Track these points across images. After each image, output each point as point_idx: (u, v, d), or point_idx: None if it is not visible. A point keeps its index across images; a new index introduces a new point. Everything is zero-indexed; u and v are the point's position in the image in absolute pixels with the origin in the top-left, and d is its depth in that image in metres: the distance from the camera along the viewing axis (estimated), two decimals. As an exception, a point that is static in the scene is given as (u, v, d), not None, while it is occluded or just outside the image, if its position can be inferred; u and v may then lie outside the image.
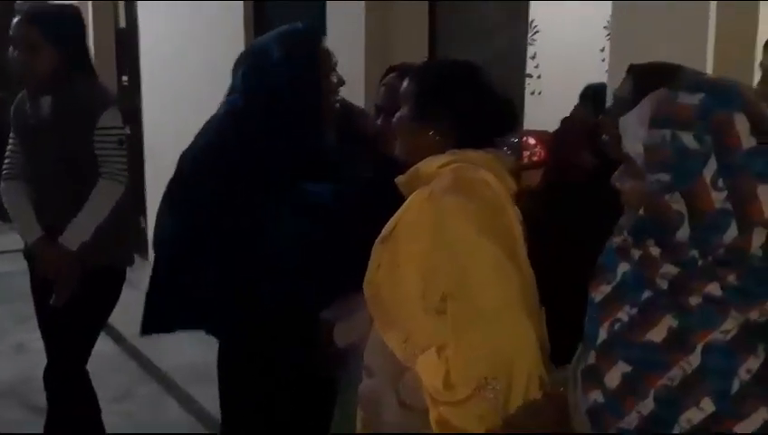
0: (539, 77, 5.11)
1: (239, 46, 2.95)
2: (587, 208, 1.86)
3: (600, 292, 1.29)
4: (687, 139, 1.18)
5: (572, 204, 2.16)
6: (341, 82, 2.10)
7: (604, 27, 4.37)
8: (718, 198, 1.16)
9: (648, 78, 1.74)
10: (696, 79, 1.30)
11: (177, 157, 2.16)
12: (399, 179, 1.73)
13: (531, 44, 4.75)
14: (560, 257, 1.86)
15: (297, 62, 2.03)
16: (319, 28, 2.20)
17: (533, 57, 5.00)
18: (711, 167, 1.16)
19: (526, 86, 4.48)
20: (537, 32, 4.94)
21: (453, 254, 1.56)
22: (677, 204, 1.19)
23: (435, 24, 3.56)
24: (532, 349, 1.53)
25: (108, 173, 2.85)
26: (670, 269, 1.21)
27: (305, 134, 2.02)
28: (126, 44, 6.12)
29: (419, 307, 1.58)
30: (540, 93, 5.03)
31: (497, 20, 3.66)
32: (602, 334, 1.27)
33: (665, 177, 1.20)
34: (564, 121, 2.75)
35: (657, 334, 1.20)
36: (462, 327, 1.51)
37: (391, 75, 2.21)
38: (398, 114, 1.80)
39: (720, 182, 1.16)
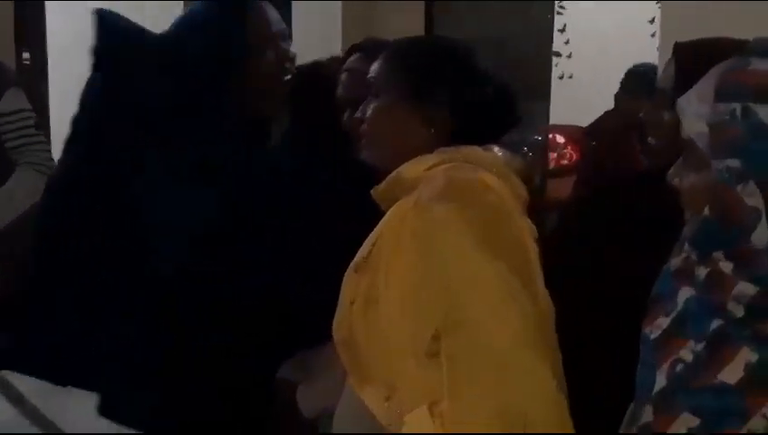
0: (569, 56, 5.08)
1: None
2: (634, 228, 1.86)
3: (656, 326, 1.27)
4: (764, 112, 1.17)
5: (614, 222, 2.04)
6: (287, 55, 2.12)
7: None
8: None
9: (697, 60, 1.69)
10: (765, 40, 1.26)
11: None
12: (376, 190, 1.71)
13: (559, 14, 4.76)
14: (596, 290, 1.83)
15: (217, 15, 2.09)
16: None
17: (563, 30, 4.99)
18: None
19: (553, 68, 4.50)
20: None
21: (446, 278, 1.54)
22: (752, 197, 1.17)
23: None
24: (553, 401, 1.50)
25: (28, 163, 2.84)
26: (746, 289, 1.18)
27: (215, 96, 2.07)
28: (28, 15, 5.99)
29: (406, 352, 1.56)
30: (571, 77, 5.00)
31: None
32: (660, 380, 1.24)
33: (735, 162, 1.18)
34: (604, 116, 2.74)
35: (731, 374, 1.18)
36: (460, 374, 1.49)
37: (355, 57, 2.20)
38: (369, 103, 1.77)
39: None
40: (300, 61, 2.25)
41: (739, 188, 1.18)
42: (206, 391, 2.04)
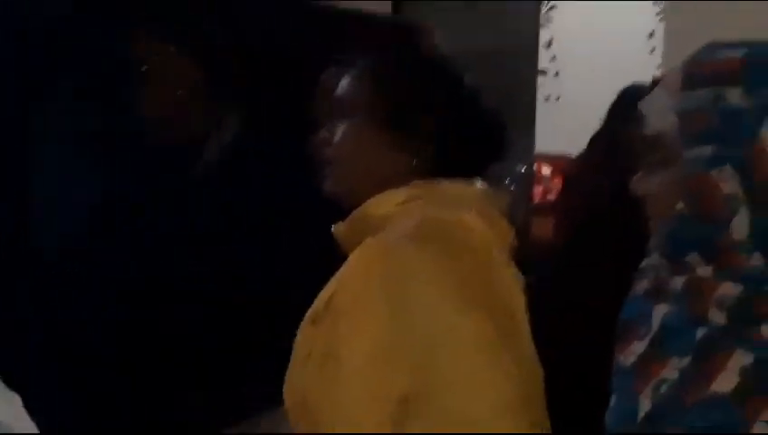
0: (557, 75, 5.30)
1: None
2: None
3: (629, 353, 1.26)
4: (734, 95, 1.17)
5: (607, 272, 1.95)
6: None
7: (653, 1, 4.26)
8: None
9: None
10: (737, 41, 1.25)
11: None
12: (337, 229, 1.65)
13: (545, 26, 4.67)
14: (589, 349, 1.73)
15: None
16: None
17: (549, 45, 5.10)
18: None
19: (538, 87, 4.33)
20: (553, 7, 4.82)
21: (417, 334, 1.49)
22: (729, 182, 1.16)
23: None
24: None
25: None
26: (728, 290, 1.18)
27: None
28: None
29: (369, 416, 1.50)
30: (558, 99, 5.23)
31: None
32: (644, 405, 1.21)
33: (707, 150, 1.19)
34: (592, 142, 2.63)
35: (725, 382, 1.15)
36: None
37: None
38: (335, 124, 1.68)
39: None
40: None
41: (714, 173, 1.18)
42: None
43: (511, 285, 1.59)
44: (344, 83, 1.73)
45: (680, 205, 1.23)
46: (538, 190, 3.56)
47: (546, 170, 3.60)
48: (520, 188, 3.65)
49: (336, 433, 1.54)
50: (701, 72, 1.23)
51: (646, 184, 1.32)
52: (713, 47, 1.24)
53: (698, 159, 1.21)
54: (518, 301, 1.58)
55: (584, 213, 2.44)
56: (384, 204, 1.61)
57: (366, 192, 1.62)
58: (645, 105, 1.30)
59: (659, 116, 1.27)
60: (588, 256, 2.30)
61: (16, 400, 2.18)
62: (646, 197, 1.31)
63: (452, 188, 1.63)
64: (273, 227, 2.10)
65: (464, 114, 1.69)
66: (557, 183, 3.51)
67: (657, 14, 4.52)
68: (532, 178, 3.63)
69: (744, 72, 1.21)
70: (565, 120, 4.46)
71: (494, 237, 1.59)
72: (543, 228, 2.86)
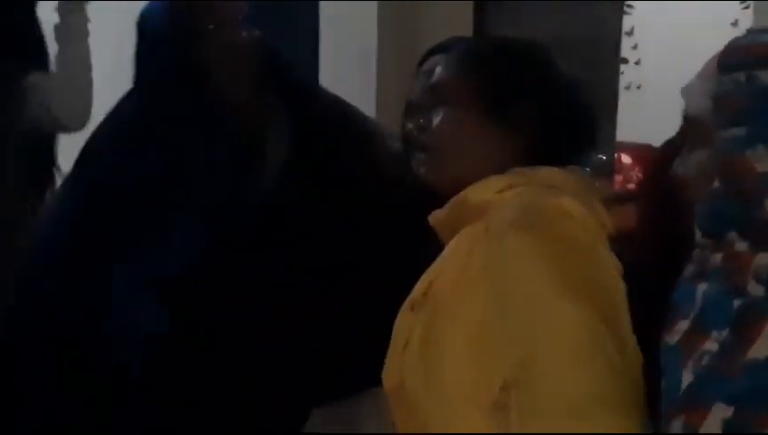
0: (638, 63, 5.04)
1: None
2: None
3: (675, 332, 1.28)
4: (766, 76, 1.19)
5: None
6: (237, 39, 2.15)
7: None
8: None
9: None
10: None
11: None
12: (435, 217, 1.64)
13: (627, 14, 4.56)
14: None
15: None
16: None
17: (630, 33, 4.87)
18: None
19: (620, 76, 4.26)
20: None
21: (520, 321, 1.49)
22: (762, 162, 1.19)
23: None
24: None
25: None
26: (765, 260, 1.20)
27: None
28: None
29: (470, 403, 1.51)
30: (639, 87, 4.98)
31: None
32: (686, 377, 1.24)
33: (741, 130, 1.21)
34: (677, 135, 2.45)
35: (762, 348, 1.17)
36: (533, 432, 1.45)
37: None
38: (434, 112, 1.67)
39: None
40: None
41: (748, 153, 1.20)
42: None
43: (612, 271, 1.56)
44: (442, 68, 1.72)
45: (716, 184, 1.25)
46: (618, 179, 3.49)
47: (627, 159, 3.48)
48: (600, 176, 3.54)
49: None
50: (735, 55, 1.25)
51: (686, 165, 1.37)
52: (754, 32, 1.28)
53: (732, 140, 1.24)
54: (619, 287, 1.55)
55: (666, 211, 2.35)
56: (484, 191, 1.59)
57: (466, 180, 1.61)
58: (684, 90, 1.36)
59: (696, 100, 1.33)
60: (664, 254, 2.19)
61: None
62: (686, 177, 1.36)
63: (552, 174, 1.61)
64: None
65: (563, 101, 1.68)
66: (638, 172, 3.44)
67: (742, 1, 4.43)
68: (612, 166, 3.59)
69: None
70: (646, 109, 4.46)
71: (594, 223, 1.57)
72: (622, 217, 2.86)
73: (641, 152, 3.40)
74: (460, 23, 3.25)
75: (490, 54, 1.70)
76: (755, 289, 1.21)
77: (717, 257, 1.25)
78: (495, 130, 1.63)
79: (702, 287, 1.27)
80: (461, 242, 1.59)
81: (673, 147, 2.46)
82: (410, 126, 2.10)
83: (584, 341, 1.47)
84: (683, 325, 1.28)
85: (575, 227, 1.54)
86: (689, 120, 1.35)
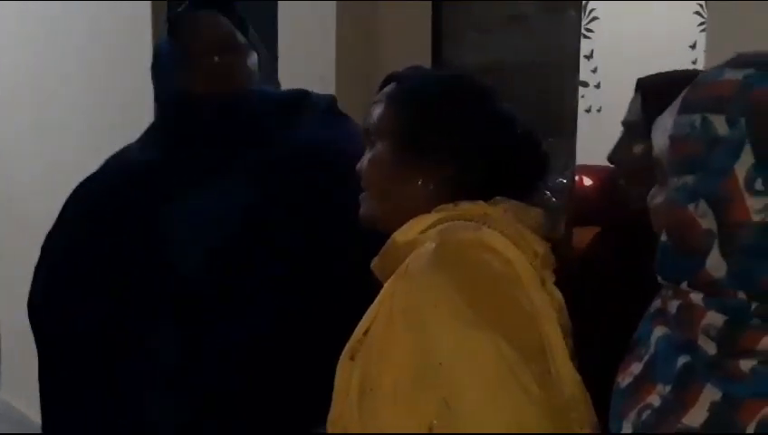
0: (598, 86, 5.10)
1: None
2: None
3: (627, 374, 1.26)
4: (718, 122, 1.15)
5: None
6: (218, 69, 2.21)
7: (695, 13, 4.21)
8: (756, 206, 1.11)
9: (662, 93, 1.67)
10: (755, 54, 1.22)
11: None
12: (374, 264, 1.65)
13: (586, 37, 4.75)
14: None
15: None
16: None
17: (590, 56, 5.00)
18: (746, 161, 1.11)
19: (580, 99, 4.27)
20: (595, 18, 4.80)
21: (438, 361, 1.49)
22: (705, 218, 1.15)
23: (440, 12, 3.44)
24: None
25: None
26: (715, 319, 1.16)
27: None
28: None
29: None
30: (599, 110, 5.02)
31: (533, 4, 3.53)
32: (626, 428, 1.22)
33: (690, 179, 1.18)
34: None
35: (695, 416, 1.14)
36: None
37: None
38: (367, 154, 1.71)
39: (759, 183, 1.11)
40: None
41: (691, 207, 1.17)
42: None
43: (540, 302, 1.57)
44: (371, 110, 1.74)
45: (664, 233, 1.22)
46: (579, 201, 3.51)
47: (587, 182, 3.56)
48: (561, 199, 3.57)
49: None
50: (697, 94, 1.20)
51: (652, 201, 1.32)
52: (720, 67, 1.19)
53: (681, 189, 1.19)
54: (548, 319, 1.56)
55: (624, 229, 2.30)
56: (409, 232, 1.61)
57: (394, 220, 1.64)
58: (655, 124, 1.28)
59: (659, 138, 1.26)
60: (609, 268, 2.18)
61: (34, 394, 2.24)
62: (651, 212, 1.31)
63: (473, 208, 1.63)
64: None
65: (488, 134, 1.68)
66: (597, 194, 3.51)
67: (699, 24, 4.54)
68: (573, 189, 3.61)
69: (736, 97, 1.15)
70: (607, 132, 4.50)
71: (519, 256, 1.58)
72: (584, 238, 2.75)
73: (601, 175, 3.49)
74: (418, 57, 3.23)
75: (409, 90, 1.71)
76: (706, 344, 1.18)
77: (674, 305, 1.23)
78: (418, 167, 1.66)
79: (658, 332, 1.25)
80: (387, 290, 1.59)
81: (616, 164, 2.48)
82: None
83: (500, 372, 1.48)
84: (635, 368, 1.27)
85: (489, 257, 1.55)
86: (654, 158, 1.28)
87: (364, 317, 1.60)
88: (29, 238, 2.67)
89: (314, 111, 2.32)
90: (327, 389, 1.96)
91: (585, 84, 4.82)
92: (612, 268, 2.10)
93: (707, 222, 1.16)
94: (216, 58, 2.21)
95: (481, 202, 1.62)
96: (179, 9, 2.31)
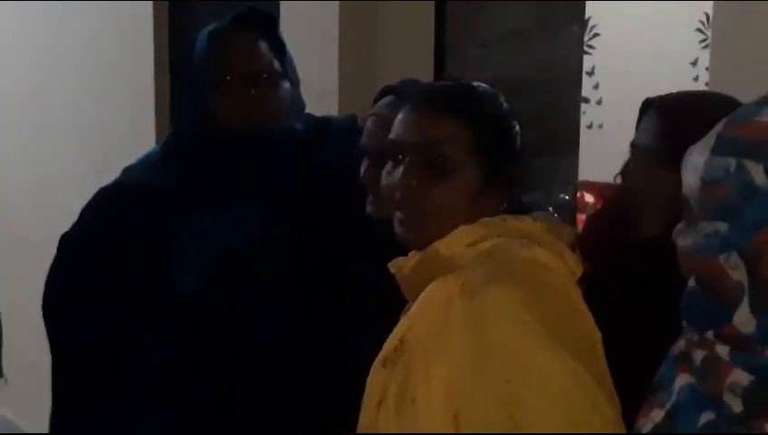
0: (599, 102, 5.11)
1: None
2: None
3: (648, 420, 1.23)
4: (755, 171, 1.12)
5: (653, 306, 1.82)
6: (241, 97, 2.19)
7: (697, 30, 4.21)
8: None
9: (683, 115, 1.69)
10: None
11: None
12: (398, 269, 1.61)
13: (588, 53, 4.65)
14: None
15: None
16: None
17: (591, 73, 4.99)
18: None
19: (581, 115, 4.23)
20: (597, 35, 4.80)
21: (501, 376, 1.46)
22: (736, 270, 1.13)
23: (443, 28, 3.39)
24: None
25: None
26: (741, 378, 1.14)
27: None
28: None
29: None
30: (601, 126, 5.03)
31: (535, 20, 3.50)
32: None
33: (723, 226, 1.15)
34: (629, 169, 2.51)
35: None
36: None
37: (386, 100, 2.04)
38: (401, 165, 1.62)
39: None
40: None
41: (722, 258, 1.15)
42: None
43: (589, 320, 1.55)
44: (425, 126, 1.62)
45: (693, 279, 1.20)
46: (581, 218, 3.52)
47: (589, 198, 3.57)
48: (563, 216, 3.53)
49: None
50: (732, 135, 1.16)
51: (680, 239, 1.29)
52: (762, 103, 1.15)
53: (710, 236, 1.17)
54: (596, 337, 1.54)
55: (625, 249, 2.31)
56: (455, 243, 1.57)
57: (439, 236, 1.58)
58: (685, 158, 1.24)
59: (689, 177, 1.23)
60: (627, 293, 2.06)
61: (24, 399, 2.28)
62: (679, 252, 1.29)
63: (520, 225, 1.59)
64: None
65: (525, 154, 1.67)
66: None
67: (701, 41, 4.53)
68: (575, 206, 3.61)
69: None
70: (608, 148, 4.50)
71: (565, 273, 1.56)
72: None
73: (603, 191, 3.49)
74: (418, 71, 3.22)
75: (474, 113, 1.62)
76: (732, 401, 1.16)
77: (699, 354, 1.21)
78: (490, 193, 1.61)
79: (681, 380, 1.23)
80: (432, 296, 1.55)
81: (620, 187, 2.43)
82: (387, 182, 1.83)
83: (578, 397, 1.46)
84: (657, 415, 1.24)
85: (551, 278, 1.53)
86: (683, 196, 1.25)
87: (399, 325, 1.59)
88: (27, 254, 2.67)
89: (334, 138, 2.29)
90: (328, 399, 1.96)
91: (586, 100, 4.79)
92: (618, 291, 2.01)
93: (738, 274, 1.14)
94: (252, 91, 2.19)
95: (526, 219, 1.59)
96: (221, 24, 2.26)
